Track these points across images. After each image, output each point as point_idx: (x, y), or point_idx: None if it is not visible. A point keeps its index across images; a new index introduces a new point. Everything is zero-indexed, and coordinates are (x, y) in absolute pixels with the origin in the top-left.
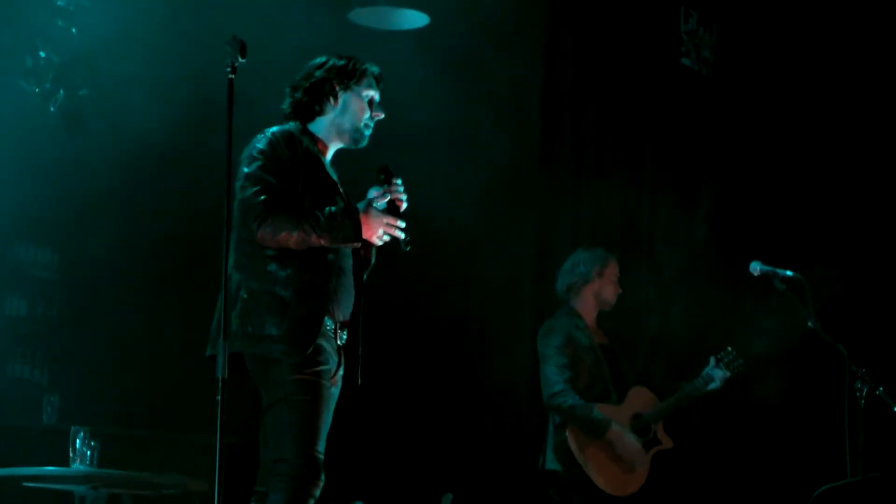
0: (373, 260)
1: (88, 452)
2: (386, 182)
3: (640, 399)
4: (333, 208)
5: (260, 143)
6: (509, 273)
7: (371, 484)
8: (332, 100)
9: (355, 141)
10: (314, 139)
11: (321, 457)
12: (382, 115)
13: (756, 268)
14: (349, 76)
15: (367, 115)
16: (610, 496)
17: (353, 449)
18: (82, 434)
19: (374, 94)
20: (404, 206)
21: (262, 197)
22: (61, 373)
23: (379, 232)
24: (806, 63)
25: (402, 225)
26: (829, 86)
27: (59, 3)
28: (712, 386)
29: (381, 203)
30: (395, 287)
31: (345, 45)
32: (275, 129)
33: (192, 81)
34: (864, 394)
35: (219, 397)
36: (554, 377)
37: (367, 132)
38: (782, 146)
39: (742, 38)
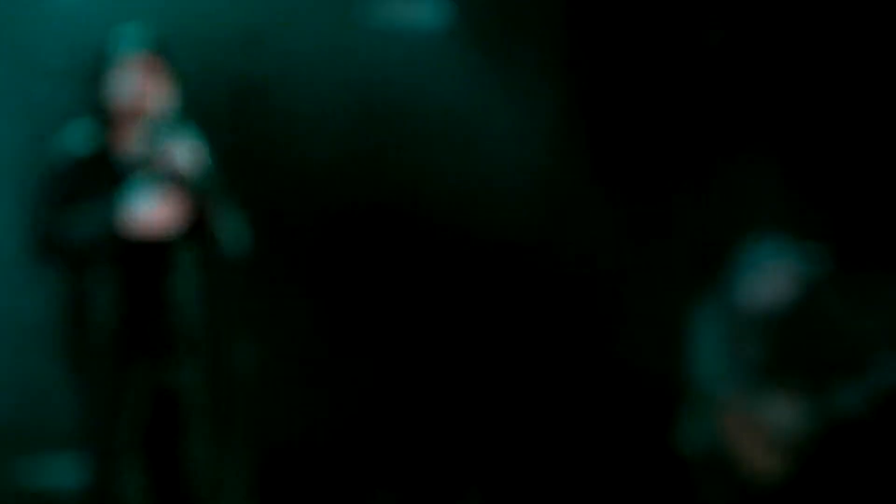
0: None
1: None
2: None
3: None
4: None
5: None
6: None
7: (394, 472)
8: None
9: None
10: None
11: None
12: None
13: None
14: None
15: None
16: (752, 483)
17: (374, 437)
18: None
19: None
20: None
21: (32, 235)
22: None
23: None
24: (820, 36)
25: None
26: (845, 56)
27: None
28: None
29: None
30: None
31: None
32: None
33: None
34: None
35: None
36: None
37: None
38: (796, 116)
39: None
